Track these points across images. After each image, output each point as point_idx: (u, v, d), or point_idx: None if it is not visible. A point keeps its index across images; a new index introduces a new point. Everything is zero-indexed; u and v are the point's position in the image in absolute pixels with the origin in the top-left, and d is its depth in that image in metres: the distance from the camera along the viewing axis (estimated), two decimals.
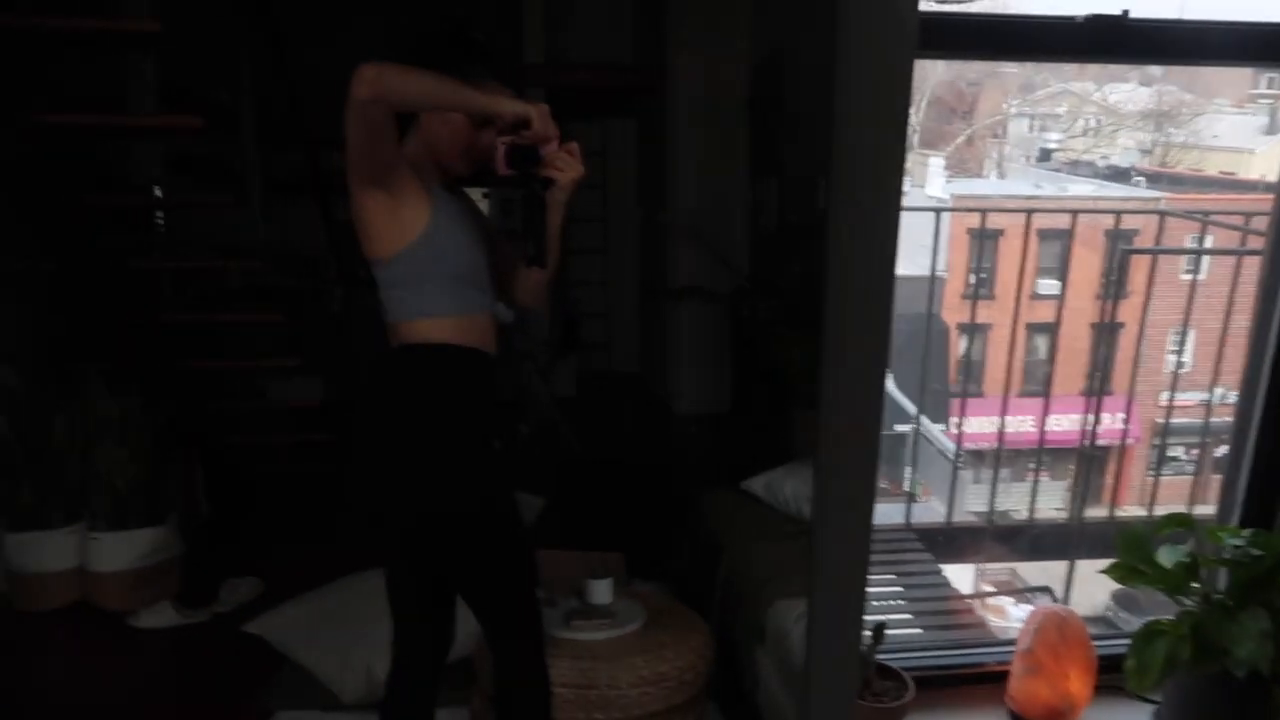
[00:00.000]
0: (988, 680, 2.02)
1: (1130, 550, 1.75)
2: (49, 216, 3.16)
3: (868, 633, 1.85)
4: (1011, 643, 2.00)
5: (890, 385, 3.96)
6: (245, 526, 3.88)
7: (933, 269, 3.49)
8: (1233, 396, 2.07)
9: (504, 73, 1.63)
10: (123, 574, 3.03)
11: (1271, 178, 9.93)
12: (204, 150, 4.90)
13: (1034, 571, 3.69)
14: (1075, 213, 3.54)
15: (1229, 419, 2.07)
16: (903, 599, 2.83)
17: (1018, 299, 3.59)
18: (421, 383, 1.65)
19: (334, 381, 4.78)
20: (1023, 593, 3.58)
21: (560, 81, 6.35)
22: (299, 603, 2.91)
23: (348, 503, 1.72)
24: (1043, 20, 1.66)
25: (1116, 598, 3.80)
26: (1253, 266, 2.40)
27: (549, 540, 3.39)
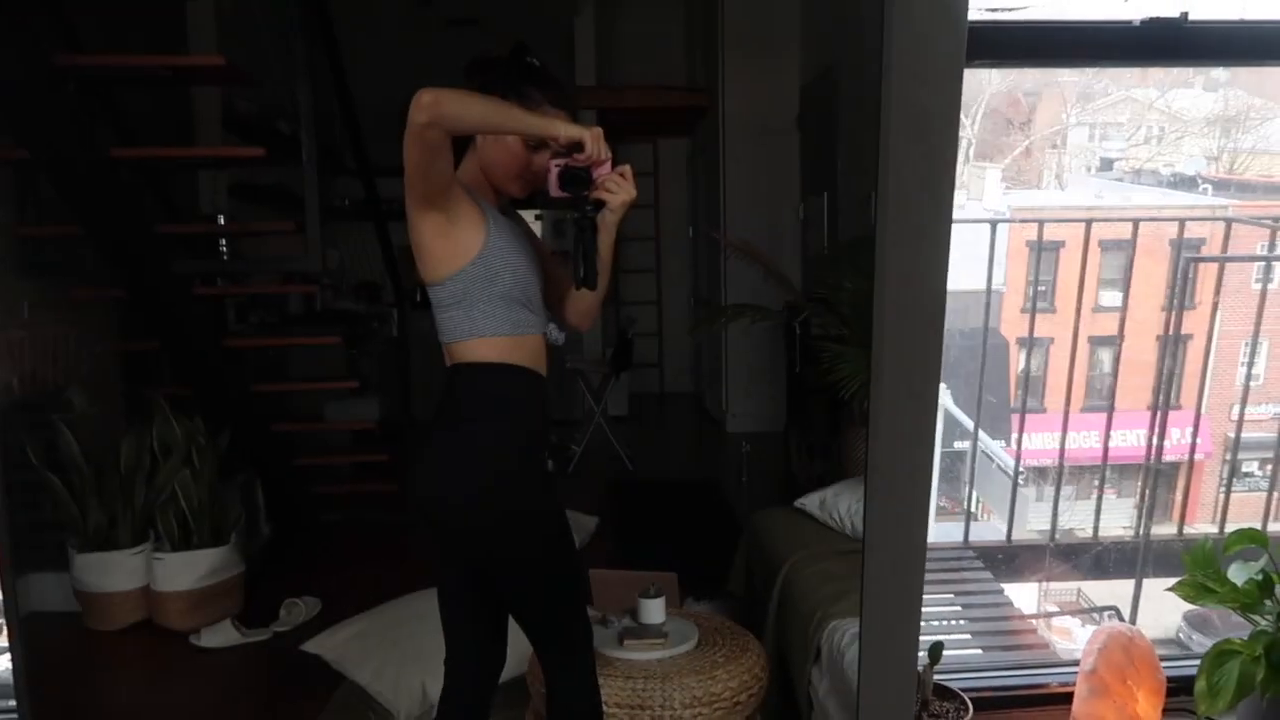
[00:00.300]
0: (1050, 702, 1.96)
1: (1199, 567, 1.69)
2: (120, 246, 3.27)
3: (924, 653, 1.81)
4: (1075, 663, 1.94)
5: (949, 402, 3.89)
6: (304, 546, 3.95)
7: (989, 282, 3.42)
8: None
9: (560, 97, 1.66)
10: (185, 594, 3.10)
11: None
12: (266, 179, 5.04)
13: (1101, 591, 3.58)
14: (1137, 222, 3.44)
15: None
16: (962, 618, 2.76)
17: (1078, 311, 3.51)
18: (474, 401, 1.67)
19: (391, 403, 4.85)
20: (1088, 613, 3.47)
21: (612, 103, 6.41)
22: (355, 622, 2.94)
23: (406, 521, 1.75)
24: (1098, 25, 1.62)
25: (1189, 619, 3.66)
26: None
27: (602, 560, 3.40)
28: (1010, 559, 3.37)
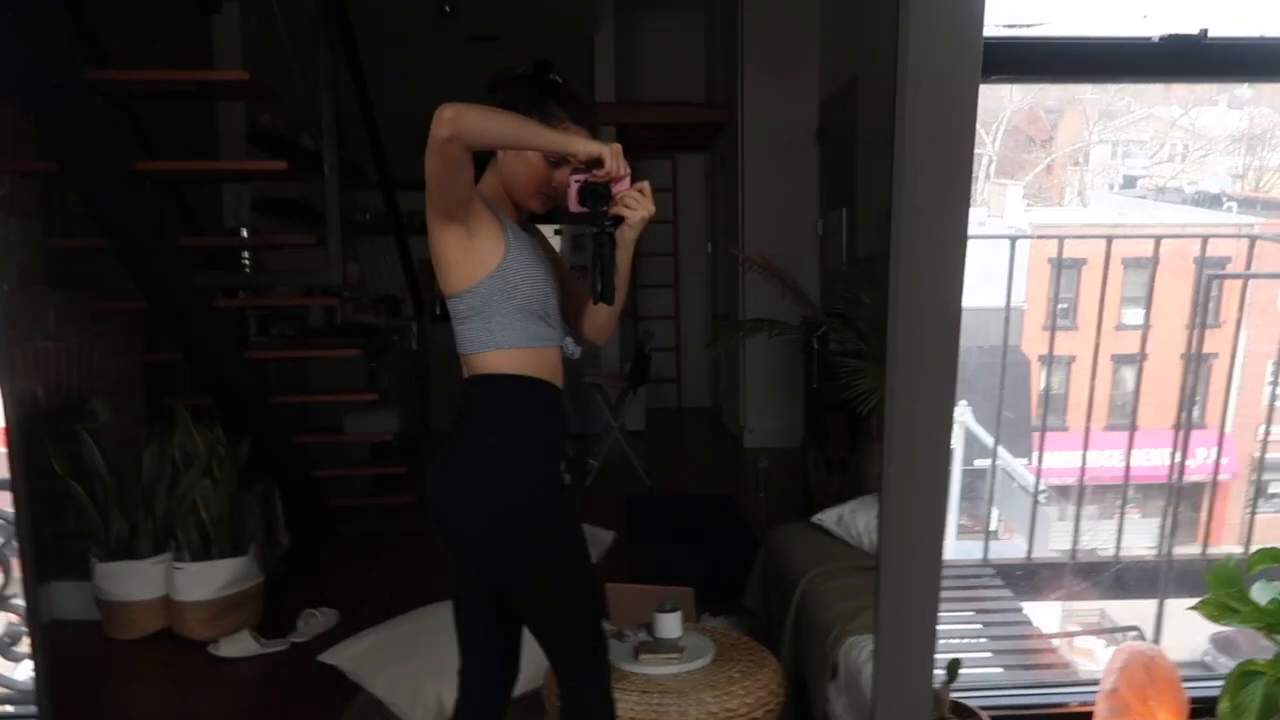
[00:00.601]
0: None
1: (1222, 586, 1.67)
2: (144, 258, 3.31)
3: (941, 670, 1.79)
4: (1095, 683, 1.91)
5: (970, 419, 3.86)
6: (323, 557, 3.97)
7: (1008, 298, 3.40)
8: None
9: (581, 114, 1.67)
10: (205, 604, 3.12)
11: None
12: (288, 192, 5.10)
13: (1124, 611, 3.54)
14: (1159, 239, 3.41)
15: None
16: (982, 636, 2.74)
17: (1099, 329, 3.48)
18: (491, 413, 1.67)
19: (409, 416, 4.87)
20: (1109, 632, 3.43)
21: (632, 118, 6.45)
22: (372, 633, 2.95)
23: (423, 532, 1.75)
24: (1117, 42, 1.62)
25: (1215, 640, 3.61)
26: None
27: (619, 574, 3.39)
28: (1030, 577, 3.33)
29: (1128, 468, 3.50)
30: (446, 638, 1.85)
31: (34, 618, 1.56)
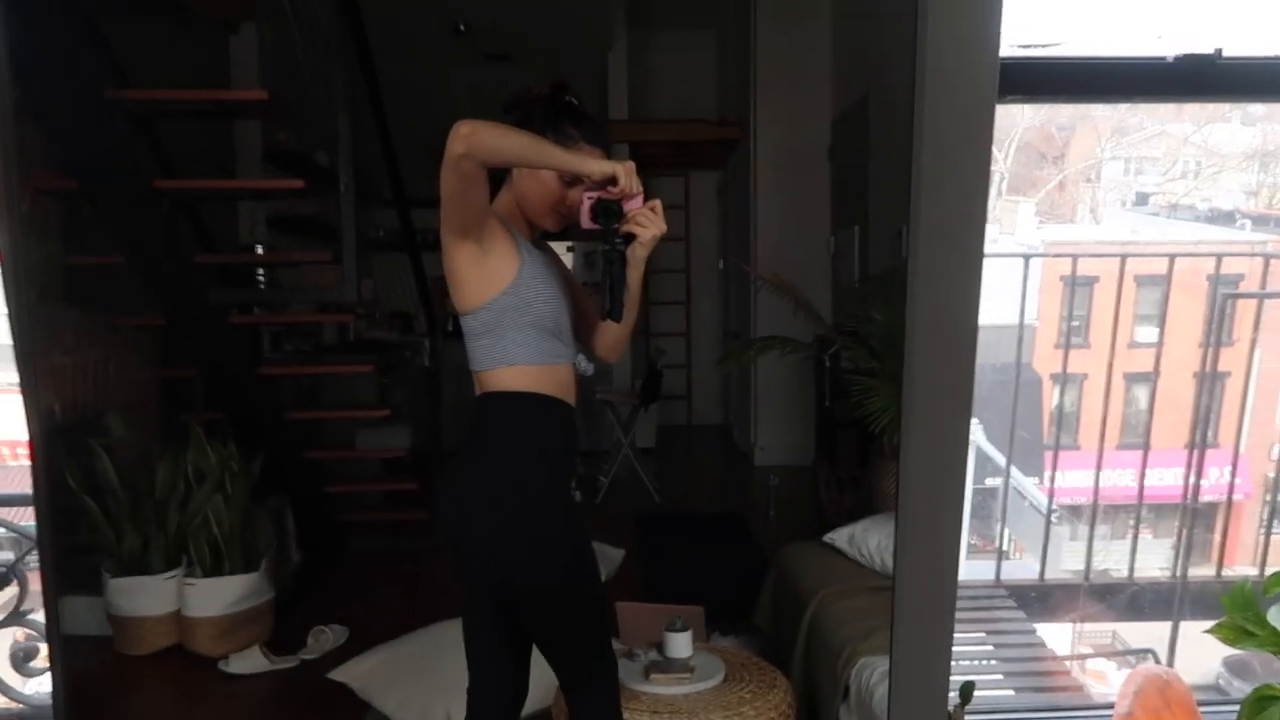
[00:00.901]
0: None
1: (1239, 609, 1.65)
2: (161, 275, 3.33)
3: (954, 693, 1.78)
4: (1109, 706, 1.90)
5: (981, 438, 3.85)
6: (334, 574, 3.97)
7: (1022, 316, 3.40)
8: None
9: (596, 134, 1.69)
10: (215, 620, 3.12)
11: None
12: (303, 209, 5.13)
13: (1136, 633, 3.51)
14: (1173, 257, 3.40)
15: None
16: (994, 658, 2.72)
17: (1113, 347, 3.46)
18: (503, 429, 1.68)
19: (421, 432, 4.88)
20: (1123, 655, 3.40)
21: (645, 136, 6.48)
22: (382, 651, 2.94)
23: (434, 549, 1.75)
24: (1132, 62, 1.62)
25: (1229, 664, 3.57)
26: None
27: (629, 593, 3.38)
28: (1043, 598, 3.31)
29: (1141, 488, 3.47)
30: (457, 655, 1.85)
31: (53, 633, 1.56)
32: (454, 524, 1.67)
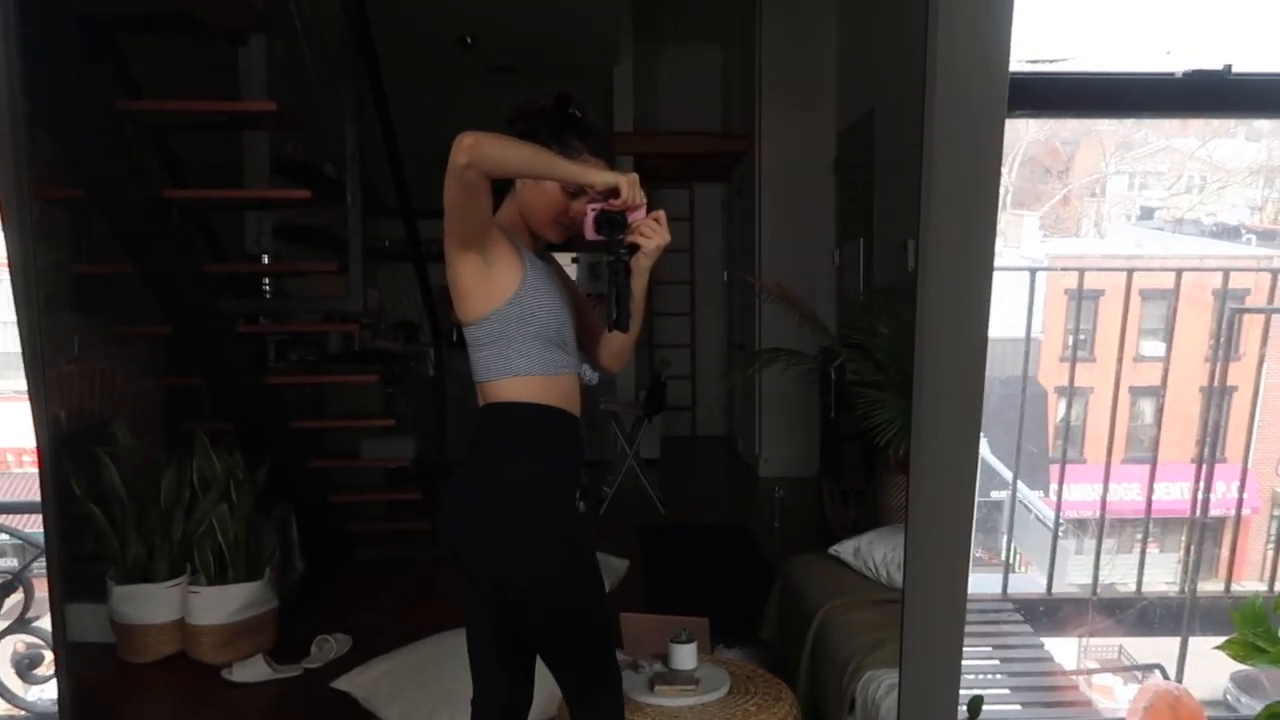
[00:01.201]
0: None
1: (1249, 625, 1.64)
2: (168, 284, 3.34)
3: (962, 707, 1.77)
4: None
5: (986, 450, 3.84)
6: (337, 583, 3.97)
7: (1028, 330, 3.39)
8: None
9: (600, 146, 1.69)
10: (219, 628, 3.12)
11: None
12: (309, 219, 5.14)
13: (1143, 648, 3.49)
14: (1180, 271, 3.40)
15: None
16: (1000, 672, 2.70)
17: (1119, 361, 3.46)
18: (507, 440, 1.68)
19: (426, 442, 4.88)
20: (1130, 670, 3.38)
21: (650, 148, 6.50)
22: (386, 660, 2.94)
23: (437, 558, 1.75)
24: (1141, 77, 1.62)
25: (1236, 680, 3.55)
26: None
27: (633, 604, 3.37)
28: (1052, 612, 3.30)
29: (1149, 502, 3.46)
30: (460, 665, 1.84)
31: (60, 640, 1.56)
32: (457, 534, 1.67)
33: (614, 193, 1.56)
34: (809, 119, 5.79)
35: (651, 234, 1.62)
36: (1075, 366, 3.99)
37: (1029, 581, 3.73)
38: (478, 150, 1.46)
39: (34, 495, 3.30)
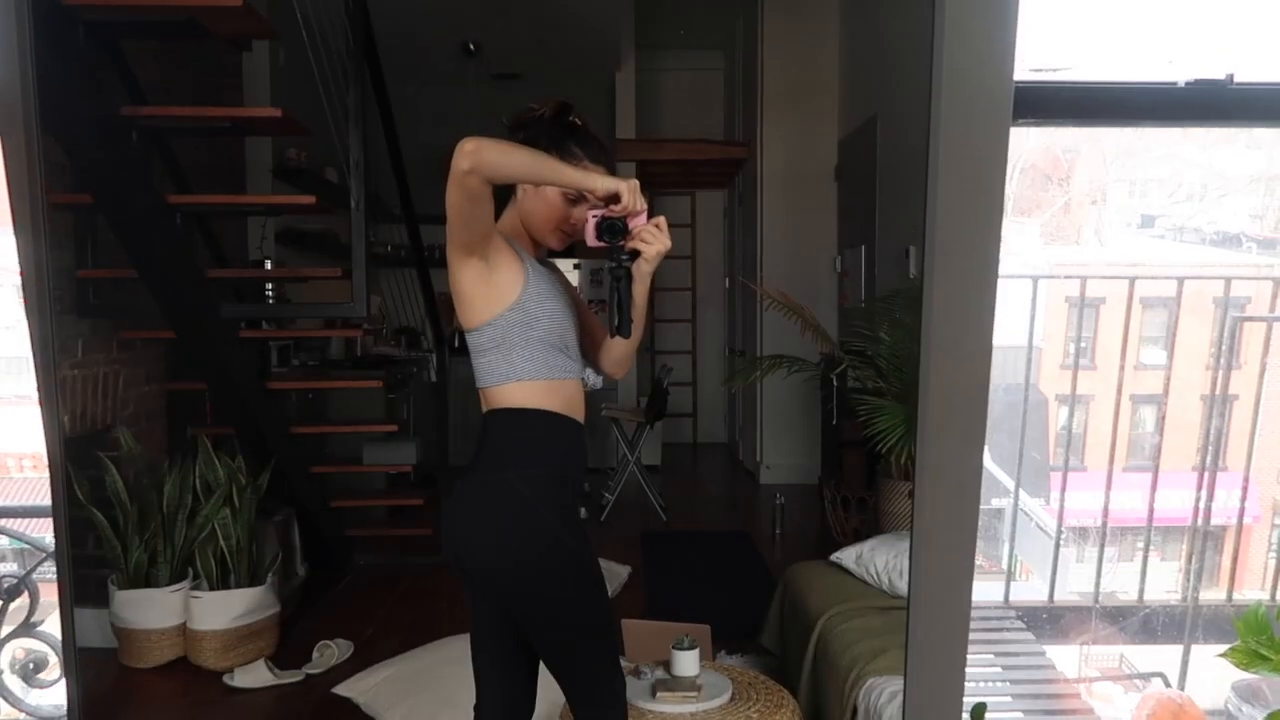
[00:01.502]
0: None
1: (1252, 633, 1.65)
2: (172, 289, 3.35)
3: (965, 715, 1.77)
4: None
5: (987, 458, 3.84)
6: (339, 588, 3.97)
7: (1030, 338, 3.40)
8: None
9: (600, 154, 1.70)
10: (221, 633, 3.12)
11: None
12: (312, 225, 5.15)
13: (1144, 656, 3.48)
14: (1181, 279, 3.41)
15: None
16: (1003, 680, 2.70)
17: (1122, 368, 3.46)
18: (509, 446, 1.68)
19: (428, 447, 4.89)
20: (1133, 678, 3.37)
21: (652, 155, 6.51)
22: (388, 666, 2.94)
23: (440, 564, 1.75)
24: (1144, 87, 1.63)
25: (1237, 688, 3.55)
26: None
27: (635, 610, 3.37)
28: (1053, 620, 3.29)
29: (1151, 510, 3.46)
30: (462, 671, 1.84)
31: (69, 645, 1.56)
32: (459, 540, 1.67)
33: (614, 198, 1.56)
34: (811, 126, 5.81)
35: (652, 240, 1.63)
36: (1077, 374, 3.99)
37: (1029, 589, 3.73)
38: (479, 156, 1.47)
39: (34, 499, 3.31)
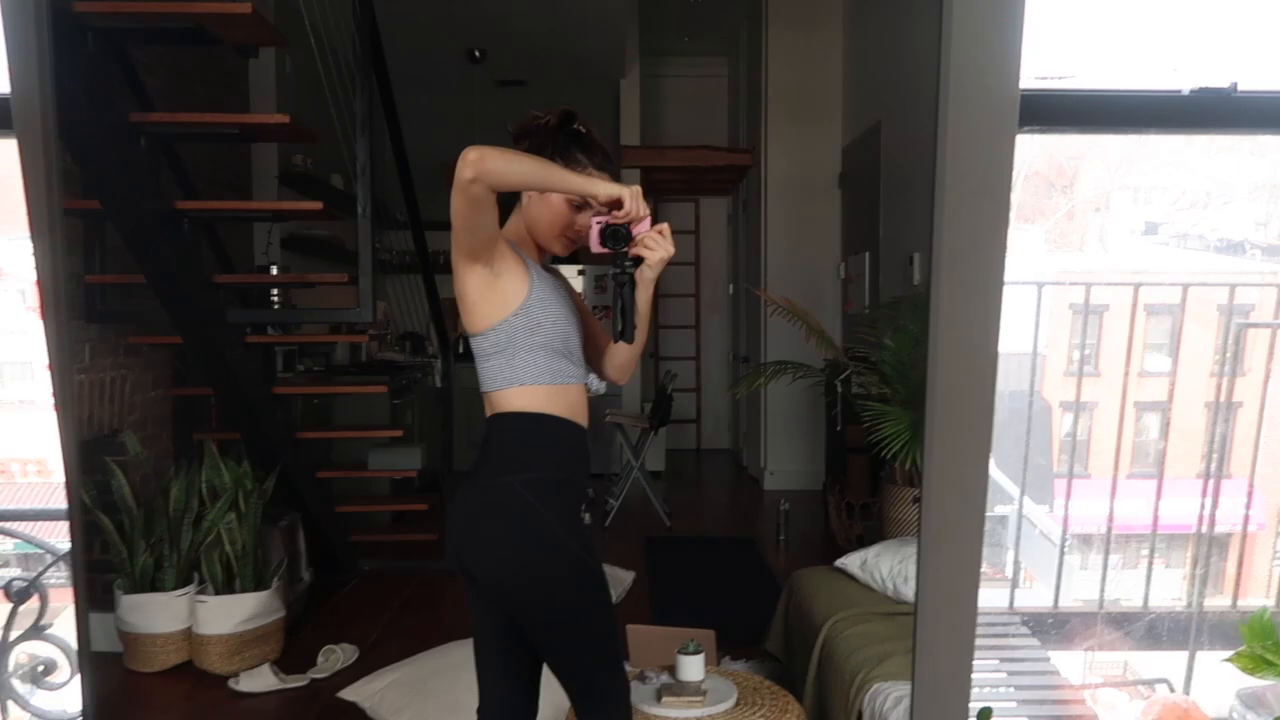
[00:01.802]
0: None
1: (1258, 638, 1.65)
2: (179, 294, 3.37)
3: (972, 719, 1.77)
4: None
5: (991, 465, 3.84)
6: (344, 593, 3.98)
7: (1035, 345, 3.40)
8: None
9: (604, 161, 1.71)
10: (226, 638, 3.13)
11: None
12: (317, 230, 5.16)
13: (1147, 663, 3.48)
14: (1186, 286, 3.41)
15: None
16: (1007, 685, 2.70)
17: (1126, 375, 3.46)
18: (513, 450, 1.68)
19: (432, 453, 4.89)
20: (1138, 684, 3.37)
21: (656, 162, 6.54)
22: (392, 671, 2.95)
23: (444, 569, 1.76)
24: (1148, 95, 1.63)
25: (1242, 696, 3.54)
26: None
27: (638, 616, 3.38)
28: (1058, 626, 3.29)
29: (1156, 517, 3.46)
30: (467, 676, 1.85)
31: (84, 650, 1.57)
32: (464, 544, 1.68)
33: (617, 205, 1.57)
34: (815, 133, 5.83)
35: (655, 246, 1.64)
36: (1081, 381, 3.99)
37: (1033, 596, 3.73)
38: (483, 164, 1.48)
39: (38, 503, 3.32)
